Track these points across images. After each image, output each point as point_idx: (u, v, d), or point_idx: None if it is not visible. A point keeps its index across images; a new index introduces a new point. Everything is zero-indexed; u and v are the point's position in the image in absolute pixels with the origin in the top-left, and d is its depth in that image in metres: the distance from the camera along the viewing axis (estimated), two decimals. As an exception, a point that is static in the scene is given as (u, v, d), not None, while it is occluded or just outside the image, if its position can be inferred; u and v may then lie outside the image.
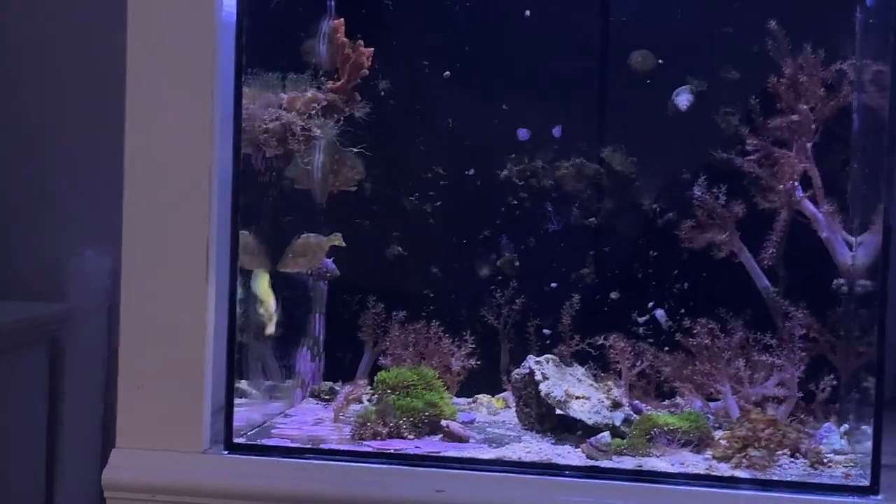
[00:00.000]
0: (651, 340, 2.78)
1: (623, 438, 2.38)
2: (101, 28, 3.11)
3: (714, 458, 2.31)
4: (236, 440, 2.32)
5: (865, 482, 2.15)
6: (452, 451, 2.35)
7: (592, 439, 2.32)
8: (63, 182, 3.22)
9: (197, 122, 2.23)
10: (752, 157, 2.59)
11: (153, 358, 2.26)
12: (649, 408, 2.63)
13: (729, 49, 2.79)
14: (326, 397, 2.82)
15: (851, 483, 2.19)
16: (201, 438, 2.25)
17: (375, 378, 2.57)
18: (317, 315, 2.85)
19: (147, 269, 2.25)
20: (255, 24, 2.32)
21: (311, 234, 2.69)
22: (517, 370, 2.59)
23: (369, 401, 2.61)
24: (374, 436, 2.40)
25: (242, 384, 2.45)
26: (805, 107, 2.55)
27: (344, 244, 2.74)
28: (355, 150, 2.78)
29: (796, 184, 2.56)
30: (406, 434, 2.42)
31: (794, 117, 2.55)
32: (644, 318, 2.84)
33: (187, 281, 2.24)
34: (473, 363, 2.78)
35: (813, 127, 2.55)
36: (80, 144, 3.20)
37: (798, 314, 2.55)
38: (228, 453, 2.29)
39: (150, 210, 2.24)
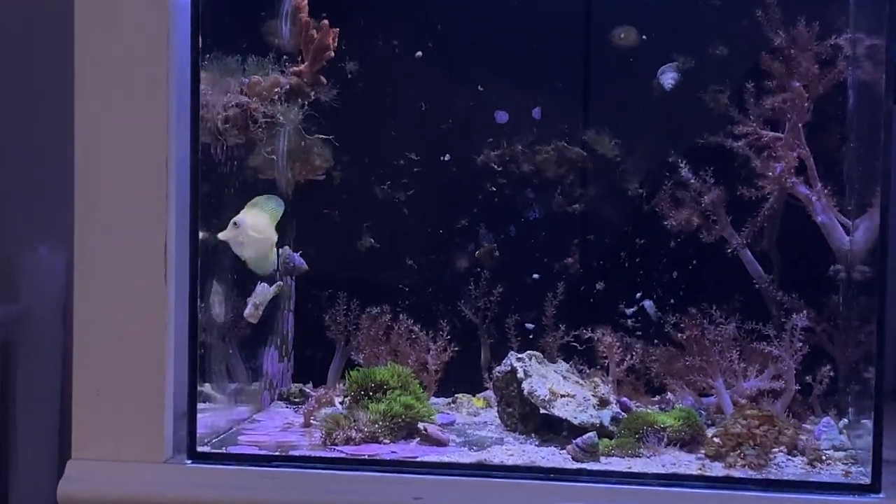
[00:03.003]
0: (639, 333, 2.78)
1: (611, 438, 2.38)
2: (47, 14, 3.08)
3: (707, 457, 2.31)
4: (200, 448, 2.30)
5: (866, 480, 2.15)
6: (431, 455, 2.35)
7: (579, 440, 2.32)
8: (14, 174, 3.19)
9: (151, 109, 2.21)
10: (740, 144, 2.60)
11: (110, 362, 2.24)
12: (638, 405, 2.63)
13: (717, 23, 2.79)
14: (296, 400, 2.81)
15: (851, 481, 2.19)
16: (163, 447, 2.24)
17: (347, 378, 2.56)
18: (284, 313, 2.84)
19: (102, 267, 2.23)
20: (212, 4, 2.30)
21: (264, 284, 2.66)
22: (498, 368, 2.58)
23: (341, 403, 2.60)
24: (347, 441, 2.39)
25: (206, 388, 2.44)
26: (798, 84, 2.54)
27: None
28: (322, 136, 2.77)
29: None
30: (381, 438, 2.41)
31: (787, 95, 2.55)
32: (632, 310, 2.84)
33: (145, 279, 2.23)
34: (451, 359, 2.76)
35: (806, 105, 2.54)
36: (31, 134, 3.17)
37: (794, 302, 2.56)
38: (192, 462, 2.27)
39: (102, 205, 2.22)
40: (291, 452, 2.35)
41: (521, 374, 2.49)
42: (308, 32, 2.63)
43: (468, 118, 2.93)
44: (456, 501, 2.17)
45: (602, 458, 2.31)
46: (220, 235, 2.43)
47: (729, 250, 2.66)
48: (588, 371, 2.65)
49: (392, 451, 2.36)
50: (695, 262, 2.80)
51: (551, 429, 2.48)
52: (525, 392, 2.46)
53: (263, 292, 2.59)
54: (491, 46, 2.92)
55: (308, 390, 2.84)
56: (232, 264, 2.52)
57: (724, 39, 2.78)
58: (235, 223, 2.45)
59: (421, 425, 2.45)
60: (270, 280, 2.64)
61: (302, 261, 2.81)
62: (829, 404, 2.59)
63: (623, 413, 2.48)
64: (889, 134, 2.15)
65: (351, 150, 2.90)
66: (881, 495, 2.12)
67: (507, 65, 2.91)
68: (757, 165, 2.59)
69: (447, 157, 2.94)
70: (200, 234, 2.33)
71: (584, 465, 2.27)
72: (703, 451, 2.34)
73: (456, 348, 2.76)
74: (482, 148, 2.91)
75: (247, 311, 2.57)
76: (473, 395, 2.81)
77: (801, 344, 2.46)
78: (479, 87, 2.92)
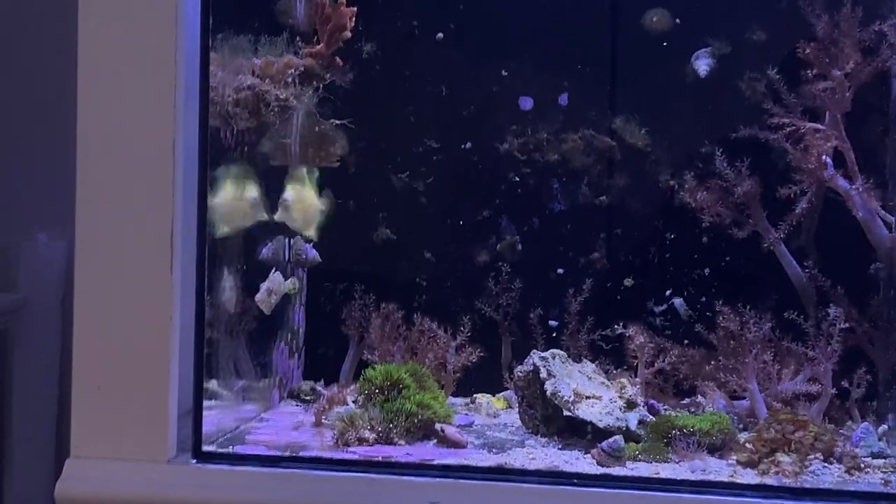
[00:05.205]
0: (669, 332, 2.77)
1: (638, 442, 2.37)
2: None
3: (739, 463, 2.30)
4: (206, 448, 2.29)
5: (907, 489, 2.14)
6: (448, 457, 2.34)
7: (604, 444, 2.30)
8: (11, 158, 3.19)
9: (158, 91, 2.19)
10: (776, 136, 2.58)
11: (112, 355, 2.23)
12: (667, 408, 2.61)
13: (754, 7, 2.77)
14: (307, 398, 2.80)
15: (891, 490, 2.18)
16: (167, 446, 2.23)
17: (361, 376, 2.55)
18: (295, 306, 2.84)
19: (104, 257, 2.22)
20: (224, -19, 2.30)
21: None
22: (520, 367, 2.57)
23: (354, 402, 2.59)
24: (360, 441, 2.38)
25: (212, 384, 2.43)
26: (839, 72, 2.52)
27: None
28: (337, 121, 2.75)
29: (827, 160, 2.54)
30: (396, 439, 2.40)
31: (827, 84, 2.53)
32: (661, 308, 2.83)
33: (150, 269, 2.21)
34: (471, 359, 2.76)
35: (847, 94, 2.53)
36: (29, 117, 3.17)
37: (833, 301, 2.54)
38: (197, 462, 2.26)
39: (105, 192, 2.21)
40: (301, 453, 2.34)
41: (543, 374, 2.48)
42: (323, 12, 2.62)
43: (491, 104, 2.92)
44: (474, 506, 2.16)
45: (628, 463, 2.29)
46: (276, 217, 2.60)
47: (766, 244, 2.64)
48: (614, 371, 2.64)
49: (407, 453, 2.35)
50: (728, 258, 2.78)
51: (575, 431, 2.46)
52: (548, 393, 2.45)
53: (278, 280, 2.61)
54: (515, 29, 2.91)
55: (319, 388, 2.84)
56: (241, 254, 2.51)
57: (762, 24, 2.76)
58: (284, 201, 2.61)
59: (438, 426, 2.44)
60: (283, 272, 2.65)
61: (314, 252, 2.81)
62: (867, 409, 2.57)
63: (651, 416, 2.47)
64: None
65: (367, 136, 2.89)
66: (923, 506, 2.11)
67: (533, 48, 2.90)
68: (794, 157, 2.57)
69: (468, 145, 2.93)
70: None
71: (609, 470, 2.26)
72: (734, 457, 2.32)
73: (475, 346, 2.75)
74: (505, 135, 2.91)
75: (258, 296, 2.57)
76: (493, 396, 2.80)
77: (838, 345, 2.44)
78: (502, 71, 2.90)
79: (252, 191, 2.52)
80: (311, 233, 2.69)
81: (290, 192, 2.63)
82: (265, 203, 2.58)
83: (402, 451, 2.36)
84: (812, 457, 2.30)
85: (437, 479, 2.20)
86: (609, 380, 2.56)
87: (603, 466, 2.28)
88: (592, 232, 2.89)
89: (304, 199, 2.64)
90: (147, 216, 2.21)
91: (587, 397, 2.44)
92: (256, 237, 2.62)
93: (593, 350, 2.71)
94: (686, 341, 2.68)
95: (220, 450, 2.34)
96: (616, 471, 2.26)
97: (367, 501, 2.18)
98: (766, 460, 2.27)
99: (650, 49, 2.83)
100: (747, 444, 2.32)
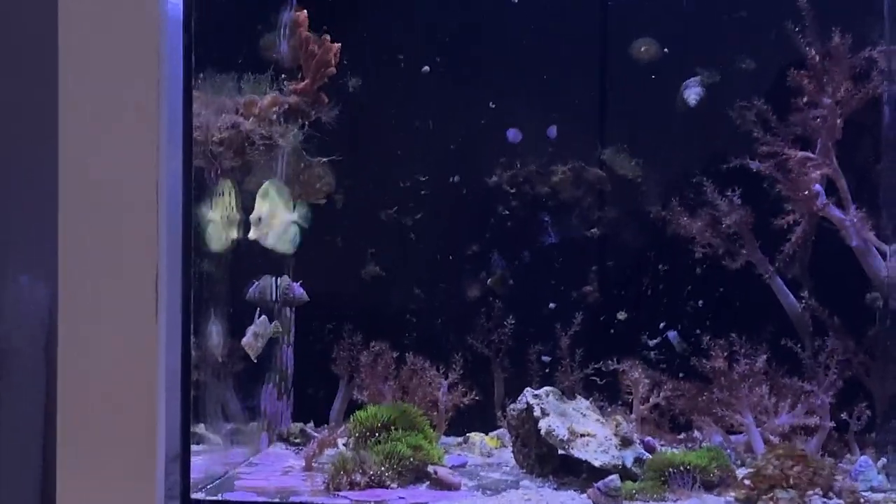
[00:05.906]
0: (664, 366, 2.75)
1: (634, 481, 2.34)
2: (28, 32, 3.06)
3: (737, 500, 2.28)
4: (194, 495, 2.27)
5: (908, 525, 2.13)
6: (442, 500, 2.31)
7: (600, 483, 2.28)
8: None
9: (140, 131, 2.17)
10: (766, 165, 2.57)
11: (97, 401, 2.20)
12: (663, 444, 2.59)
13: (743, 36, 2.77)
14: (297, 441, 2.78)
15: (892, 526, 2.17)
16: (154, 495, 2.19)
17: (351, 418, 2.53)
18: (283, 347, 2.81)
19: (88, 302, 2.19)
20: (205, 18, 2.27)
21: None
22: (513, 405, 2.54)
23: (345, 445, 2.57)
24: (352, 485, 2.35)
25: (200, 428, 2.41)
26: (830, 100, 2.52)
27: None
28: (324, 159, 2.75)
29: (819, 189, 2.53)
30: (388, 483, 2.38)
31: (818, 112, 2.52)
32: (655, 341, 2.81)
33: (134, 314, 2.18)
34: (464, 400, 2.74)
35: (838, 122, 2.52)
36: (10, 155, 3.15)
37: (829, 333, 2.53)
38: (185, 511, 2.24)
39: (89, 234, 2.18)
40: (292, 499, 2.31)
41: (537, 412, 2.46)
42: (308, 48, 2.61)
43: (479, 137, 2.91)
44: (469, 551, 2.15)
45: (625, 503, 2.27)
46: (251, 236, 2.53)
47: (765, 276, 2.62)
48: (609, 408, 2.62)
49: (400, 497, 2.33)
50: (722, 289, 2.77)
51: (570, 471, 2.44)
52: (542, 431, 2.43)
53: (265, 324, 2.58)
54: (503, 61, 2.90)
55: (309, 430, 2.82)
56: (227, 296, 2.49)
57: (752, 52, 2.76)
58: (259, 219, 2.55)
59: (431, 468, 2.42)
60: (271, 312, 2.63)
61: (302, 291, 2.79)
62: (866, 442, 2.56)
63: (647, 453, 2.45)
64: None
65: (354, 172, 2.89)
66: (924, 541, 2.09)
67: (521, 81, 2.89)
68: (785, 187, 2.56)
69: (457, 179, 2.92)
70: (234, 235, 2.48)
71: (605, 511, 2.24)
72: (732, 494, 2.30)
73: (467, 385, 2.73)
74: (494, 169, 2.90)
75: (245, 340, 2.55)
76: (487, 434, 2.78)
77: (835, 377, 2.43)
78: (490, 104, 2.89)
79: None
80: (286, 247, 2.63)
81: (257, 210, 2.58)
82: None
83: (394, 495, 2.33)
84: (811, 492, 2.28)
85: (431, 524, 2.19)
86: (604, 416, 2.54)
87: (599, 507, 2.26)
88: (584, 265, 2.88)
89: (273, 215, 2.59)
90: (131, 258, 2.18)
91: (582, 435, 2.41)
92: (243, 278, 2.60)
93: (587, 386, 2.69)
94: (681, 375, 2.66)
95: (209, 497, 2.31)
96: (613, 511, 2.24)
97: (360, 547, 2.16)
98: (764, 497, 2.25)
99: (640, 79, 2.82)
100: (745, 481, 2.30)
